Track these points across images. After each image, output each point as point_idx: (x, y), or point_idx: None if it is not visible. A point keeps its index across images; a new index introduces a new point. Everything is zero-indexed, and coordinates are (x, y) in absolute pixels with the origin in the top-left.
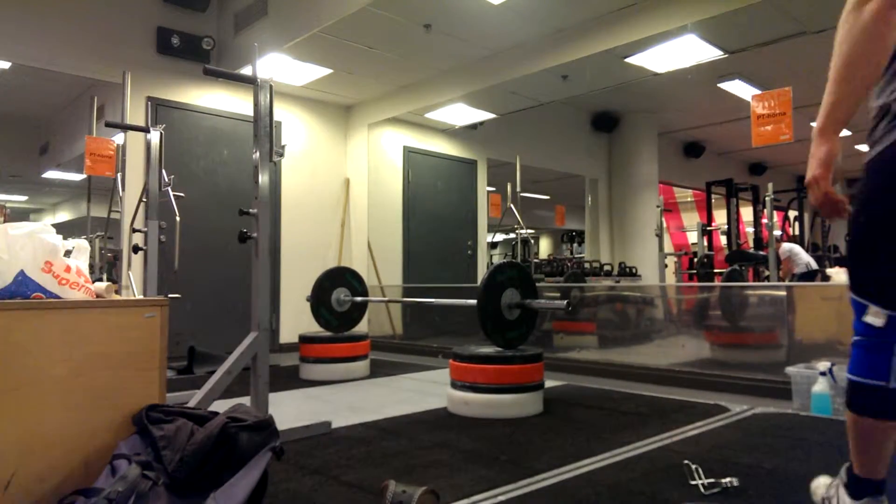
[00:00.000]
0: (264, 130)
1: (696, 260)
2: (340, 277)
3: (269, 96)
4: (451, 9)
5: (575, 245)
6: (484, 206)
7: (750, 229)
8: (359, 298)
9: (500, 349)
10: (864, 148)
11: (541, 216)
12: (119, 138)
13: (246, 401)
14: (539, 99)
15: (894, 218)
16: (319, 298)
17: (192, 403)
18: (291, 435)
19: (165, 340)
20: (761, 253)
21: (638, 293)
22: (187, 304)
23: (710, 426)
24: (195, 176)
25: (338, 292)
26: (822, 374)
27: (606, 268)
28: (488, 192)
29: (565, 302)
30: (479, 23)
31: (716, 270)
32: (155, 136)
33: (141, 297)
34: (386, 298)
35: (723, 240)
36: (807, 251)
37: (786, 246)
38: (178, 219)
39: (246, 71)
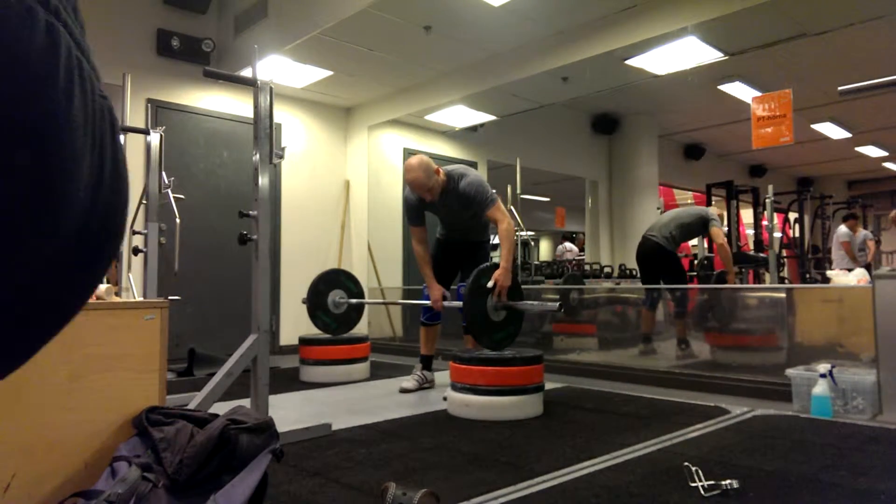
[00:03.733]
0: (264, 132)
1: (696, 262)
2: (335, 280)
3: (269, 98)
4: (452, 10)
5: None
6: None
7: (750, 231)
8: (354, 301)
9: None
10: (862, 150)
11: (541, 218)
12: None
13: (246, 403)
14: (539, 101)
15: (441, 256)
16: (316, 303)
17: (192, 405)
18: (292, 437)
19: (165, 342)
20: (762, 255)
21: (638, 295)
22: (187, 307)
23: (710, 428)
24: (195, 178)
25: (333, 295)
26: (822, 376)
27: (606, 270)
28: None
29: (557, 304)
30: (480, 24)
31: (716, 272)
32: (155, 138)
33: (141, 299)
34: (382, 300)
35: None
36: (807, 253)
37: None
38: (178, 221)
39: (246, 73)
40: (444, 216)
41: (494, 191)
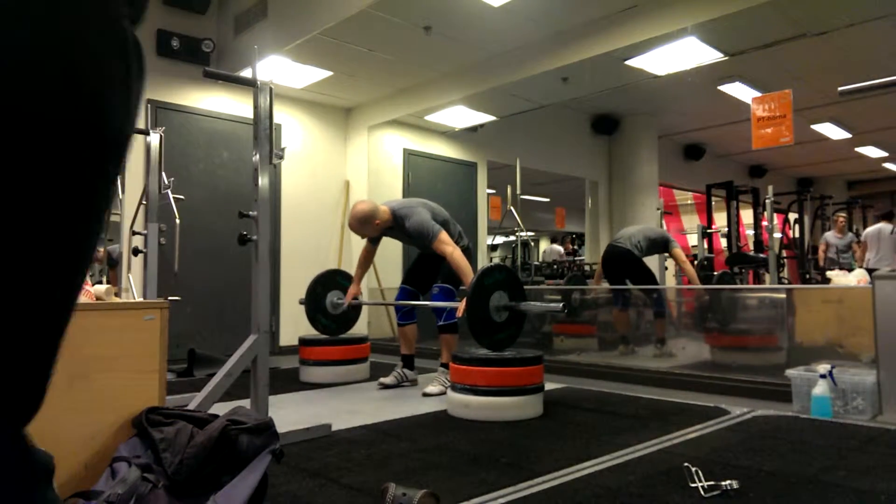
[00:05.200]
0: (264, 133)
1: (696, 262)
2: (332, 281)
3: (268, 99)
4: (451, 11)
5: (574, 247)
6: (484, 209)
7: (750, 232)
8: (353, 301)
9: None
10: (862, 150)
11: (541, 218)
12: None
13: (246, 403)
14: (539, 101)
15: (419, 259)
16: (314, 306)
17: (192, 406)
18: (291, 437)
19: (165, 343)
20: (761, 255)
21: (637, 296)
22: (187, 307)
23: (710, 429)
24: (195, 178)
25: (331, 296)
26: (822, 376)
27: None
28: (488, 194)
29: (561, 304)
30: (479, 25)
31: (716, 273)
32: (154, 139)
33: (141, 299)
34: (382, 301)
35: (723, 242)
36: (807, 254)
37: None
38: (177, 221)
39: (246, 73)
40: (404, 241)
41: (436, 223)
